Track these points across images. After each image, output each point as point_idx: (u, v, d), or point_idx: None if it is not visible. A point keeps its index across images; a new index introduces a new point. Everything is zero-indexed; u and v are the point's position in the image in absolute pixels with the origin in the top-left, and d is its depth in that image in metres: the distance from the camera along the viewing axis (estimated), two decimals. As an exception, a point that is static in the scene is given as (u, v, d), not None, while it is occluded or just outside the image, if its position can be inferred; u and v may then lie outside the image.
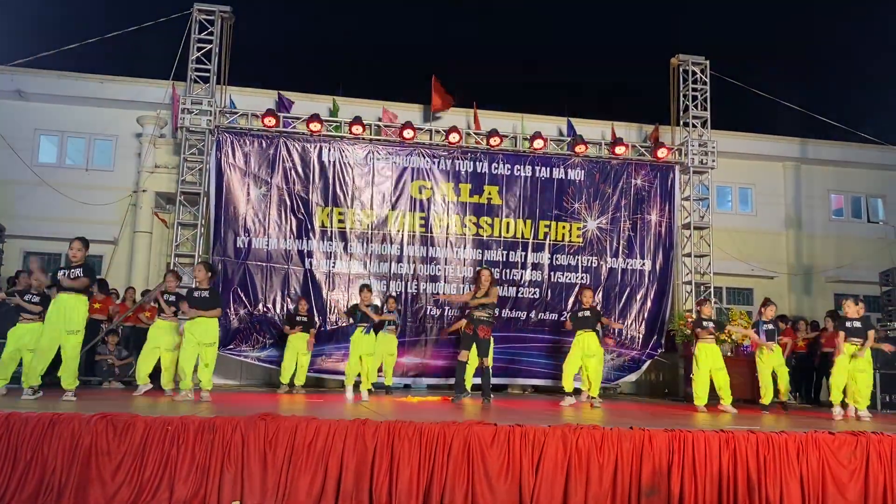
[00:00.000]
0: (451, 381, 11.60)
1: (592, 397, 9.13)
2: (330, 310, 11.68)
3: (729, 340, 11.15)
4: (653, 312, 12.53)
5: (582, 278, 12.40)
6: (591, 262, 12.52)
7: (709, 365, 9.02)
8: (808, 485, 5.36)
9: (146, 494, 4.83)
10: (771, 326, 9.41)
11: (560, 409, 8.36)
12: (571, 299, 12.25)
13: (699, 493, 5.22)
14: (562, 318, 11.79)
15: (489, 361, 9.07)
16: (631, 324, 12.43)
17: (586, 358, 9.05)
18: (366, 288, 9.26)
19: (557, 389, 11.83)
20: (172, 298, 8.65)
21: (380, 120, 12.62)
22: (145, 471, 4.88)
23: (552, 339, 12.05)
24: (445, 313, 11.97)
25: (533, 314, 12.21)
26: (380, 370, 10.61)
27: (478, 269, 9.46)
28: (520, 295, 12.24)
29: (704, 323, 9.22)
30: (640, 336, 12.45)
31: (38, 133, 13.46)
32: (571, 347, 9.21)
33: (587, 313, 9.18)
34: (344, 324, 11.29)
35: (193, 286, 8.11)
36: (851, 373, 8.18)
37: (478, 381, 9.44)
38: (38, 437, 4.89)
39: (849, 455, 5.51)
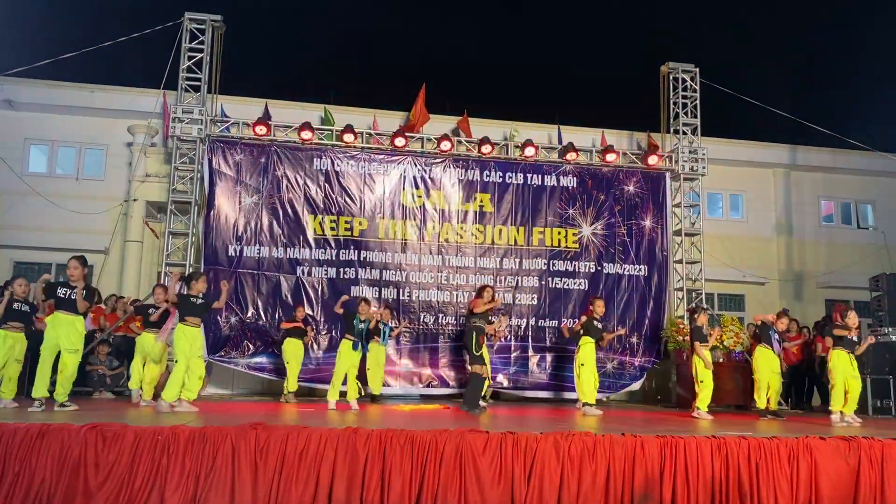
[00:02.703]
0: (445, 391, 11.61)
1: (590, 405, 9.11)
2: (320, 318, 11.64)
3: (721, 347, 11.16)
4: (652, 319, 12.49)
5: (579, 284, 12.39)
6: (589, 268, 12.49)
7: (709, 373, 9.06)
8: (800, 490, 5.37)
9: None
10: (777, 337, 9.35)
11: (553, 417, 8.33)
12: (571, 305, 12.25)
13: (692, 499, 5.22)
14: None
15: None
16: (630, 331, 12.39)
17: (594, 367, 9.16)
18: (364, 301, 9.22)
19: (556, 399, 11.81)
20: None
21: (371, 128, 12.63)
22: (135, 480, 4.85)
23: (553, 348, 12.06)
24: (439, 321, 11.95)
25: (533, 321, 12.19)
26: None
27: (482, 285, 9.51)
28: (517, 302, 12.23)
29: (705, 333, 9.20)
30: (641, 344, 12.44)
31: (29, 142, 13.40)
32: (591, 357, 9.17)
33: (598, 324, 9.30)
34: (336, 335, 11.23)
35: (187, 293, 8.01)
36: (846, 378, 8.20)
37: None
38: (27, 448, 4.85)
39: (840, 460, 5.53)
